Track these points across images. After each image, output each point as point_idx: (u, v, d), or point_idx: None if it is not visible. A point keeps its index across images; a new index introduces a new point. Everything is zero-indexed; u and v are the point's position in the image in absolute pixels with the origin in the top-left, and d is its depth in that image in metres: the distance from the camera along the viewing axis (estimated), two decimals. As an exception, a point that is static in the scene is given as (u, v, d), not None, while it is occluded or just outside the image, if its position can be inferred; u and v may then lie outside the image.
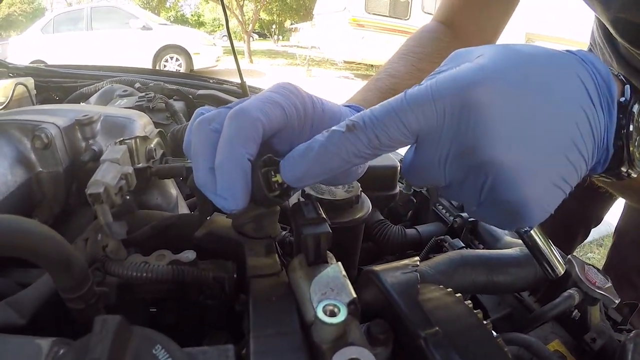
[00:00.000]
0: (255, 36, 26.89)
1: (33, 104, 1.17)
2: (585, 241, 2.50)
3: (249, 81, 1.39)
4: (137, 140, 0.55)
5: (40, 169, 0.51)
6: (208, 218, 0.48)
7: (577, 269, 0.54)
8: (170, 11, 19.88)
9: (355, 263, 0.63)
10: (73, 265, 0.28)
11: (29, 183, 0.49)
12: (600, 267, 0.58)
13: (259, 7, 13.40)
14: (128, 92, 1.23)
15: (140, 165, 0.54)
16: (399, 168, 0.81)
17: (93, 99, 1.25)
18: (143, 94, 1.18)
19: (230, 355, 0.24)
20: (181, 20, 23.99)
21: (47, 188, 0.51)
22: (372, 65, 10.46)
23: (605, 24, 0.68)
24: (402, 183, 0.93)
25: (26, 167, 0.50)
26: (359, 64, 10.04)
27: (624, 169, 0.31)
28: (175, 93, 1.27)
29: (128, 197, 0.49)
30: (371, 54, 8.03)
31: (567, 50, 0.30)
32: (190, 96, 1.29)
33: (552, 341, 0.52)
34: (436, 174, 0.29)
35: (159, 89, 1.25)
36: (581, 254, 2.50)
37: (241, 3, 12.96)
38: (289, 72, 10.62)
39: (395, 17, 8.06)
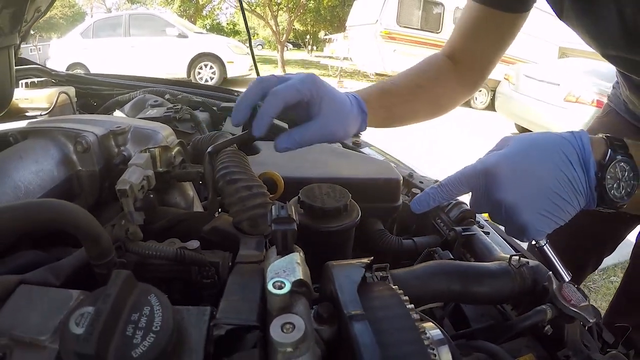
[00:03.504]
0: (290, 46, 27.60)
1: (74, 111, 1.33)
2: (610, 264, 2.44)
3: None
4: (160, 149, 0.68)
5: (80, 168, 0.65)
6: (216, 215, 0.60)
7: (554, 285, 0.58)
8: (207, 19, 20.79)
9: None
10: (101, 239, 0.40)
11: (70, 179, 0.63)
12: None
13: (292, 17, 13.82)
14: (158, 103, 1.39)
15: (161, 169, 0.67)
16: (401, 181, 0.89)
17: (127, 107, 1.42)
18: (171, 105, 1.34)
19: (207, 313, 0.34)
20: (217, 28, 24.96)
21: (85, 184, 0.64)
22: None
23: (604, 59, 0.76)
24: (408, 196, 1.01)
25: (68, 166, 0.64)
26: (391, 76, 10.14)
27: (608, 202, 0.50)
28: (201, 105, 1.42)
29: (152, 196, 0.61)
30: (402, 67, 8.14)
31: (571, 132, 0.52)
32: (215, 108, 1.43)
33: (525, 355, 0.56)
34: (482, 206, 0.55)
35: (186, 101, 1.40)
36: (604, 277, 2.45)
37: (275, 13, 13.42)
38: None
39: (427, 30, 8.13)
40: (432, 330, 0.42)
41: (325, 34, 17.85)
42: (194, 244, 0.49)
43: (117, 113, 1.40)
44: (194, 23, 15.86)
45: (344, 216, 0.66)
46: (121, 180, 0.50)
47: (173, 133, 0.81)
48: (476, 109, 8.08)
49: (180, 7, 14.18)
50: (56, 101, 1.25)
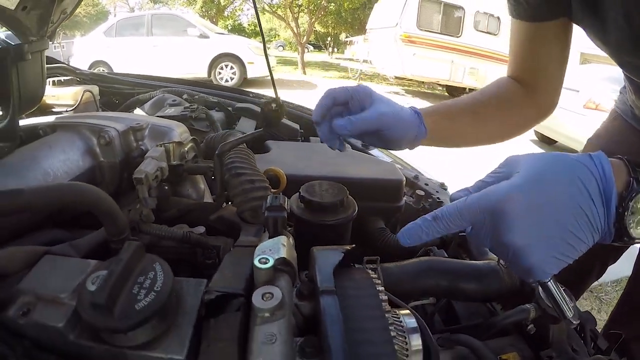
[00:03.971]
0: (310, 48, 27.80)
1: (97, 109, 1.42)
2: (623, 275, 2.38)
3: (301, 92, 1.57)
4: (174, 144, 0.74)
5: (102, 159, 0.72)
6: (223, 206, 0.66)
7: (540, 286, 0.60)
8: (228, 20, 21.14)
9: None
10: (118, 218, 0.48)
11: (93, 168, 0.70)
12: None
13: (313, 19, 13.94)
14: (177, 102, 1.47)
15: (174, 162, 0.73)
16: (404, 182, 0.93)
17: (147, 105, 1.50)
18: (188, 104, 1.41)
19: (203, 285, 0.40)
20: (238, 29, 25.31)
21: (106, 173, 0.71)
22: (422, 82, 10.45)
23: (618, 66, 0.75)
24: (412, 197, 1.05)
25: (92, 157, 0.71)
26: (410, 80, 10.10)
27: (627, 240, 0.45)
28: (217, 105, 1.49)
29: (166, 187, 0.68)
30: (422, 71, 8.10)
31: (588, 155, 0.44)
32: (230, 108, 1.50)
33: (510, 353, 0.57)
34: (483, 242, 0.47)
35: (202, 101, 1.48)
36: (617, 289, 2.41)
37: (296, 15, 13.57)
38: (341, 85, 10.87)
39: (447, 34, 8.08)
40: (407, 317, 0.46)
41: (347, 36, 17.94)
42: (200, 229, 0.56)
43: (138, 111, 1.48)
44: (216, 24, 16.13)
45: (340, 211, 0.71)
46: (138, 170, 0.56)
47: (187, 131, 0.88)
48: None
49: (202, 7, 14.47)
50: (81, 99, 1.34)
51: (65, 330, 0.36)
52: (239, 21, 23.70)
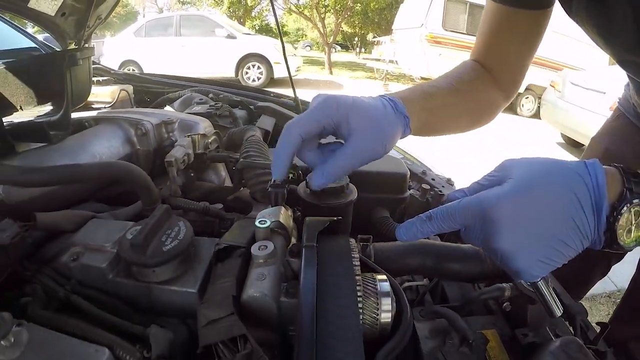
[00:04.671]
0: (338, 48, 27.89)
1: (132, 106, 1.58)
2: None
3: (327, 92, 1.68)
4: (199, 136, 0.87)
5: (138, 147, 0.86)
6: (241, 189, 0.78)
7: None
8: (255, 20, 21.52)
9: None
10: (152, 190, 0.61)
11: (131, 155, 0.84)
12: None
13: (340, 19, 14.05)
14: (203, 100, 1.61)
15: (199, 151, 0.86)
16: (408, 175, 1.02)
17: (176, 103, 1.64)
18: (213, 103, 1.55)
19: (215, 242, 0.51)
20: (266, 29, 25.65)
21: (141, 159, 0.85)
22: None
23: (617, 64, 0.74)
24: (418, 191, 1.13)
25: (130, 145, 0.85)
26: (429, 80, 10.05)
27: (616, 247, 0.45)
28: (239, 104, 1.62)
29: (192, 174, 0.80)
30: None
31: (584, 163, 0.45)
32: (251, 107, 1.63)
33: (490, 329, 0.62)
34: (475, 243, 0.49)
35: (226, 100, 1.61)
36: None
37: (323, 15, 13.72)
38: (367, 85, 10.97)
39: (473, 35, 7.97)
40: (382, 282, 0.53)
41: (374, 37, 17.97)
42: (218, 206, 0.68)
43: (168, 108, 1.62)
44: (243, 24, 16.47)
45: (341, 196, 0.80)
46: (169, 154, 0.70)
47: (211, 125, 1.01)
48: (523, 117, 7.87)
49: (229, 8, 14.81)
50: (118, 97, 1.50)
51: (106, 270, 0.49)
52: (266, 21, 24.06)
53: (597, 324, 0.65)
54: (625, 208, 0.44)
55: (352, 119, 0.55)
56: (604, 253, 1.10)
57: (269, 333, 0.43)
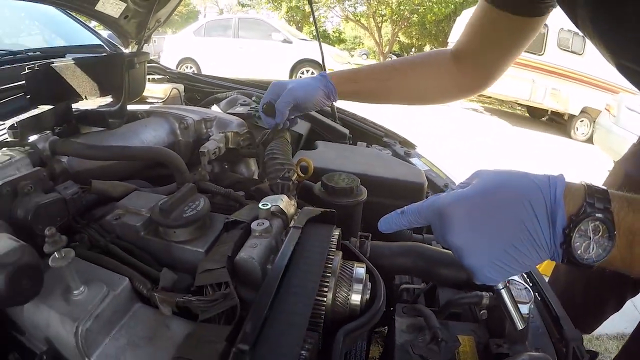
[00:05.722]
0: (394, 57, 27.84)
1: (182, 103, 1.76)
2: None
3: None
4: (232, 133, 1.02)
5: (180, 139, 1.02)
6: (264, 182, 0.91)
7: (515, 275, 0.64)
8: (313, 26, 21.96)
9: (353, 233, 0.88)
10: (185, 172, 0.76)
11: (174, 144, 1.01)
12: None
13: (396, 29, 14.08)
14: (246, 102, 1.76)
15: (231, 146, 1.00)
16: (425, 185, 1.09)
17: (222, 103, 1.81)
18: (255, 105, 1.70)
19: (225, 217, 0.64)
20: (323, 35, 26.08)
21: (182, 148, 1.01)
22: (502, 101, 10.03)
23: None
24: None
25: (174, 136, 1.02)
26: (489, 97, 9.76)
27: (574, 261, 0.47)
28: (278, 107, 1.76)
29: (226, 166, 0.95)
30: (501, 88, 7.63)
31: (547, 176, 0.48)
32: (289, 110, 1.77)
33: (468, 335, 0.66)
34: (438, 240, 0.54)
35: (267, 103, 1.76)
36: None
37: (379, 25, 13.82)
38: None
39: (529, 52, 7.61)
40: (359, 268, 0.62)
41: (431, 48, 17.83)
42: (240, 193, 0.81)
43: (214, 107, 1.80)
44: (301, 29, 16.89)
45: (350, 196, 0.89)
46: (202, 146, 0.85)
47: (245, 125, 1.15)
48: (576, 140, 7.47)
49: (287, 12, 15.26)
50: (169, 94, 1.69)
51: (139, 229, 0.64)
52: (323, 27, 24.51)
53: (587, 351, 0.65)
54: (582, 221, 0.45)
55: (290, 85, 0.90)
56: (617, 284, 1.12)
57: (252, 291, 0.55)
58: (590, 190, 0.47)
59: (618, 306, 1.23)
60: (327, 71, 1.01)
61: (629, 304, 1.20)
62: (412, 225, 0.56)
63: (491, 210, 0.48)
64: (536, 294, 0.79)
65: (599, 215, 0.45)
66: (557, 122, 8.33)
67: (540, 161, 5.73)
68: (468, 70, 0.89)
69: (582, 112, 7.44)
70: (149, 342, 0.49)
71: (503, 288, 0.54)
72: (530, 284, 0.83)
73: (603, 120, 5.64)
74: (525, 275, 0.83)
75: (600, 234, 0.46)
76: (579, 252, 0.46)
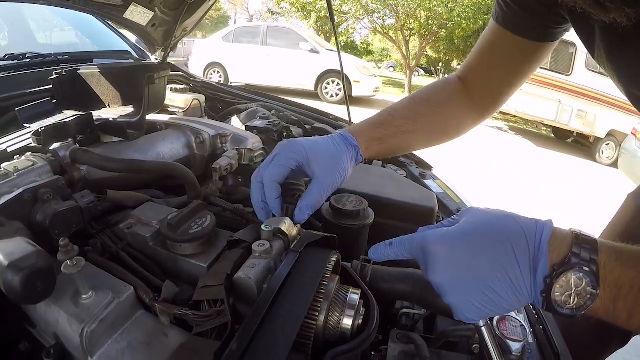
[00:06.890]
0: (421, 72, 27.80)
1: (202, 115, 1.83)
2: None
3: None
4: (246, 150, 1.06)
5: (196, 152, 1.08)
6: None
7: (497, 316, 0.66)
8: (342, 36, 22.18)
9: (357, 255, 0.86)
10: (196, 187, 0.82)
11: (189, 157, 1.06)
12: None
13: (423, 44, 14.06)
14: (266, 115, 1.82)
15: (244, 162, 1.05)
16: (435, 209, 1.08)
17: (242, 114, 1.87)
18: (273, 119, 1.76)
19: (230, 234, 0.69)
20: (351, 46, 26.19)
21: (197, 162, 1.07)
22: (528, 120, 9.86)
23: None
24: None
25: (189, 149, 1.08)
26: (515, 116, 9.62)
27: (555, 311, 0.46)
28: (296, 123, 1.81)
29: (240, 179, 0.99)
30: (527, 108, 7.42)
31: (535, 221, 0.49)
32: (308, 126, 1.80)
33: None
34: (423, 274, 0.55)
35: (285, 118, 1.81)
36: None
37: (407, 38, 13.82)
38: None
39: (557, 72, 7.42)
40: (353, 294, 0.62)
41: (458, 64, 17.70)
42: (249, 209, 0.85)
43: (234, 118, 1.86)
44: (329, 40, 17.01)
45: (357, 219, 0.91)
46: (215, 162, 0.89)
47: (260, 141, 1.20)
48: (601, 164, 7.28)
49: (316, 22, 15.43)
50: (190, 105, 1.75)
51: (149, 239, 0.69)
52: (352, 38, 24.71)
53: None
54: (565, 272, 0.45)
55: (312, 161, 0.71)
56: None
57: (248, 308, 0.58)
58: (577, 240, 0.47)
59: (623, 342, 1.21)
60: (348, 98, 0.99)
61: (635, 340, 1.16)
62: (399, 258, 0.58)
63: (472, 251, 0.49)
64: (541, 327, 0.80)
65: (584, 267, 0.45)
66: (582, 145, 8.21)
67: (563, 184, 5.62)
68: (477, 96, 0.89)
69: (608, 135, 7.27)
70: (146, 347, 0.54)
71: (484, 326, 0.55)
72: (536, 316, 0.84)
73: (629, 145, 5.50)
74: (530, 307, 0.85)
75: (583, 286, 0.45)
76: (559, 301, 0.46)
